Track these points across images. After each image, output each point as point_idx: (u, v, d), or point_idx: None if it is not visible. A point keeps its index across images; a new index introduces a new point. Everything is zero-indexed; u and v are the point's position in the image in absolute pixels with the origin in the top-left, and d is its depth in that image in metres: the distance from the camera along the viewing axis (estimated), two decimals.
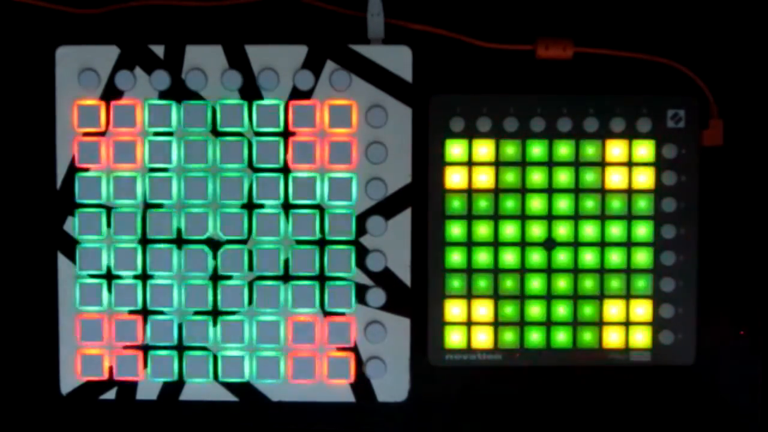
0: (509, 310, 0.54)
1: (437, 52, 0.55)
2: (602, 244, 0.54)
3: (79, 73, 0.53)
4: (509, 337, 0.54)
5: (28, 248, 0.55)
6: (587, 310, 0.54)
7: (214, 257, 0.53)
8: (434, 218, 0.54)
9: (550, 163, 0.54)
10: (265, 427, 0.56)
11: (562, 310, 0.54)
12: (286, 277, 0.53)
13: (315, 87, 0.53)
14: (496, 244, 0.54)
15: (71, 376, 0.54)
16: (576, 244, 0.54)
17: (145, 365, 0.54)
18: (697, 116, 0.54)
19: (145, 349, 0.54)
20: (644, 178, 0.54)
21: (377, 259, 0.53)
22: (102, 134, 0.53)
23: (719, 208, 0.55)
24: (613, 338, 0.54)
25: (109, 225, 0.53)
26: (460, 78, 0.55)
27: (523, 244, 0.54)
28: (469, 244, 0.54)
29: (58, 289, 0.54)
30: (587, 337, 0.54)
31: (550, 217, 0.54)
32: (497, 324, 0.54)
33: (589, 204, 0.54)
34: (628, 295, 0.54)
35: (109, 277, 0.53)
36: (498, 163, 0.54)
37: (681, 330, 0.54)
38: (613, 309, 0.54)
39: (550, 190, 0.54)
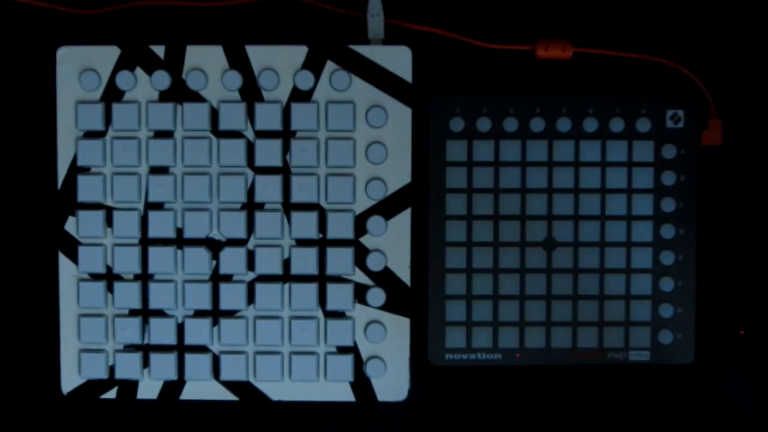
0: (509, 310, 0.54)
1: (437, 52, 0.55)
2: (602, 244, 0.54)
3: (79, 73, 0.53)
4: (509, 337, 0.54)
5: (29, 248, 0.55)
6: (587, 310, 0.54)
7: (214, 257, 0.53)
8: (434, 218, 0.54)
9: (550, 163, 0.54)
10: (265, 427, 0.56)
11: (561, 310, 0.54)
12: (286, 277, 0.53)
13: (315, 87, 0.53)
14: (496, 244, 0.54)
15: (72, 376, 0.54)
16: (576, 244, 0.54)
17: (146, 365, 0.54)
18: (696, 116, 0.54)
19: (146, 348, 0.54)
20: (643, 178, 0.54)
21: (377, 259, 0.53)
22: (103, 134, 0.53)
23: (718, 208, 0.55)
24: (612, 338, 0.54)
25: (109, 225, 0.53)
26: (460, 78, 0.55)
27: (523, 244, 0.54)
28: (469, 244, 0.54)
29: (59, 289, 0.54)
30: (587, 337, 0.54)
31: (550, 217, 0.54)
32: (497, 324, 0.54)
33: (589, 204, 0.54)
34: (627, 295, 0.54)
35: (110, 277, 0.53)
36: (498, 163, 0.54)
37: (680, 329, 0.54)
38: (613, 309, 0.54)
39: (550, 190, 0.54)
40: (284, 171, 0.53)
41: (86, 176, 0.53)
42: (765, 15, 0.55)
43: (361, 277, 0.53)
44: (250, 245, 0.53)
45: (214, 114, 0.53)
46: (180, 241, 0.53)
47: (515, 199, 0.54)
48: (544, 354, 0.54)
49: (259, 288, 0.53)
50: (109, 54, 0.53)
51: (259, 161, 0.53)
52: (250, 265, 0.53)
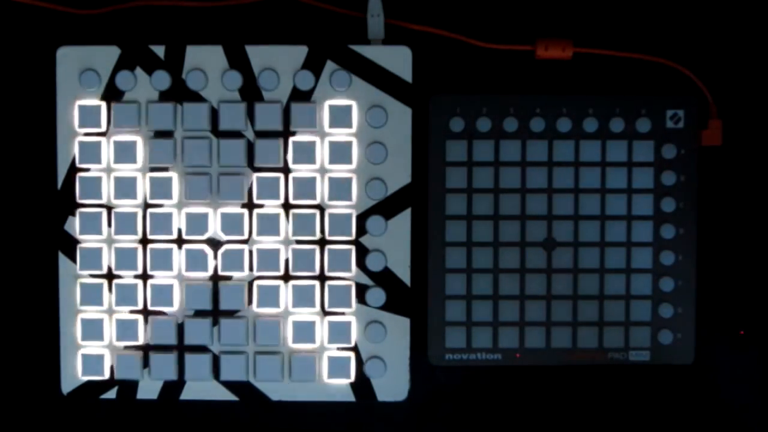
0: (509, 310, 0.54)
1: (437, 52, 0.55)
2: (602, 244, 0.54)
3: (79, 73, 0.53)
4: (509, 337, 0.54)
5: (29, 248, 0.55)
6: (587, 310, 0.54)
7: (214, 257, 0.53)
8: (434, 218, 0.54)
9: (550, 163, 0.54)
10: (265, 427, 0.56)
11: (561, 310, 0.54)
12: (286, 277, 0.53)
13: (315, 87, 0.53)
14: (496, 244, 0.54)
15: (72, 376, 0.54)
16: (576, 244, 0.54)
17: (146, 365, 0.54)
18: (696, 116, 0.54)
19: (146, 348, 0.54)
20: (643, 178, 0.54)
21: (377, 259, 0.53)
22: (103, 134, 0.53)
23: (718, 208, 0.55)
24: (612, 338, 0.54)
25: (109, 225, 0.53)
26: (460, 78, 0.55)
27: (523, 244, 0.54)
28: (469, 244, 0.54)
29: (59, 289, 0.54)
30: (587, 337, 0.54)
31: (550, 217, 0.54)
32: (497, 324, 0.54)
33: (589, 204, 0.54)
34: (627, 295, 0.54)
35: (110, 276, 0.53)
36: (498, 163, 0.54)
37: (680, 329, 0.54)
38: (613, 309, 0.54)
39: (550, 190, 0.54)
40: (284, 171, 0.53)
41: (86, 176, 0.53)
42: (765, 15, 0.55)
43: (361, 277, 0.53)
44: (250, 245, 0.53)
45: (214, 114, 0.53)
46: (180, 241, 0.53)
47: (515, 199, 0.54)
48: (544, 354, 0.54)
49: (259, 288, 0.53)
50: (109, 54, 0.53)
51: (259, 161, 0.53)
52: (250, 265, 0.53)
